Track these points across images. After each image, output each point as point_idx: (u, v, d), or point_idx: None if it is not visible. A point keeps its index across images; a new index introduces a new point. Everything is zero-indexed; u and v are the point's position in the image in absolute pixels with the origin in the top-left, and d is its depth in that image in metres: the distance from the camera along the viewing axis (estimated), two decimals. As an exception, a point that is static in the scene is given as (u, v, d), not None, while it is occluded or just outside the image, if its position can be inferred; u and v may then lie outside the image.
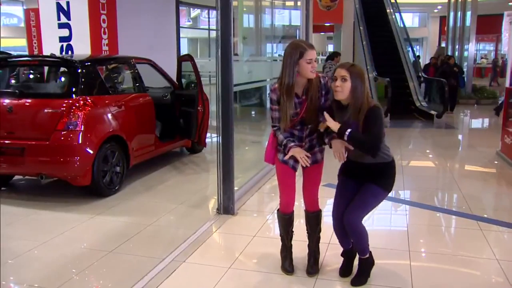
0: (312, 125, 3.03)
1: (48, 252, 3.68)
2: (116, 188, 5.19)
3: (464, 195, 5.18)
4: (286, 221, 3.23)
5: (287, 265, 3.27)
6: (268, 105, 9.24)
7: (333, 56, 10.17)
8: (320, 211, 3.27)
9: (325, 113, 2.86)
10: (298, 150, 2.98)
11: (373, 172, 2.94)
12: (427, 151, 8.34)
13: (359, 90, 2.78)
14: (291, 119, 2.96)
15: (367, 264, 3.12)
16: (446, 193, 5.64)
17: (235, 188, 4.59)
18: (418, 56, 17.60)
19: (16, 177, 5.61)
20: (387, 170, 2.97)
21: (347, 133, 2.77)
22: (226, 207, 4.47)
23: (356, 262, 3.23)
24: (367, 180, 2.96)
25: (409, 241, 3.86)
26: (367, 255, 3.09)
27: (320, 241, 3.34)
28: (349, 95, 2.81)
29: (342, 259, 3.28)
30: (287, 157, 3.03)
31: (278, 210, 3.27)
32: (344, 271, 3.23)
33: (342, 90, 2.79)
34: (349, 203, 2.99)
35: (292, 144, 3.00)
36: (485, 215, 4.56)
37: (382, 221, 4.51)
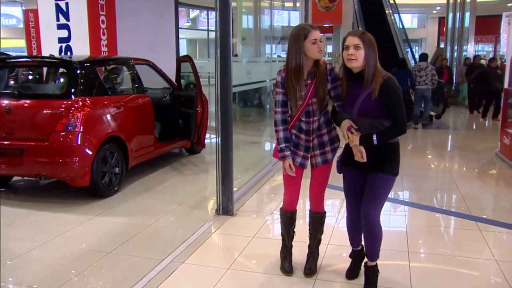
0: (317, 116, 2.96)
1: (47, 253, 3.68)
2: (115, 189, 5.19)
3: (463, 195, 5.19)
4: (288, 219, 3.20)
5: (287, 266, 3.26)
6: (267, 106, 9.24)
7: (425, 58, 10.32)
8: (324, 213, 3.23)
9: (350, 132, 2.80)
10: (288, 165, 2.98)
11: (377, 156, 2.80)
12: (427, 151, 8.35)
13: (372, 57, 2.69)
14: (300, 100, 2.91)
15: (374, 273, 3.01)
16: (445, 194, 5.65)
17: (234, 189, 4.59)
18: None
19: (15, 178, 5.61)
20: (391, 154, 2.84)
21: (374, 138, 2.72)
22: (225, 208, 4.47)
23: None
24: (372, 168, 2.83)
25: (408, 241, 3.86)
26: (375, 263, 3.00)
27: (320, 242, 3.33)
28: (363, 63, 2.70)
29: (341, 260, 3.27)
30: (285, 169, 3.01)
31: (281, 208, 3.24)
32: (351, 273, 3.16)
33: (357, 58, 2.68)
34: (360, 195, 2.91)
35: (288, 153, 2.97)
36: (484, 216, 4.56)
37: (381, 222, 4.51)
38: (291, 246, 3.29)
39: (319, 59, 2.87)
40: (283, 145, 2.99)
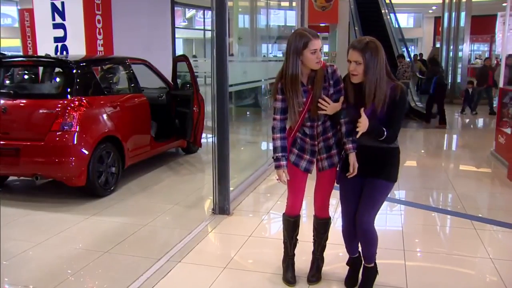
0: (322, 120, 2.86)
1: (43, 253, 3.67)
2: (112, 188, 5.18)
3: (459, 194, 5.21)
4: (291, 224, 3.08)
5: (289, 277, 3.12)
6: (264, 106, 9.25)
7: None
8: (329, 218, 3.12)
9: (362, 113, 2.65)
10: (280, 174, 2.89)
11: (376, 161, 2.77)
12: (422, 151, 8.37)
13: (372, 72, 2.60)
14: (298, 111, 2.81)
15: (372, 273, 2.99)
16: (441, 193, 5.67)
17: (231, 188, 4.60)
18: (416, 55, 17.46)
19: (11, 177, 5.59)
20: (390, 158, 2.80)
21: (385, 133, 2.67)
22: (222, 207, 4.47)
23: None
24: (371, 173, 2.79)
25: (404, 240, 3.87)
26: (373, 264, 2.98)
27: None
28: (363, 78, 2.65)
29: (337, 260, 3.26)
30: (278, 177, 2.92)
31: (283, 213, 3.14)
32: (350, 281, 3.09)
33: (358, 73, 2.64)
34: (357, 203, 2.85)
35: (284, 163, 2.87)
36: (480, 215, 4.58)
37: (377, 221, 4.45)
38: (294, 254, 3.16)
39: (316, 69, 2.77)
40: (279, 154, 2.88)
